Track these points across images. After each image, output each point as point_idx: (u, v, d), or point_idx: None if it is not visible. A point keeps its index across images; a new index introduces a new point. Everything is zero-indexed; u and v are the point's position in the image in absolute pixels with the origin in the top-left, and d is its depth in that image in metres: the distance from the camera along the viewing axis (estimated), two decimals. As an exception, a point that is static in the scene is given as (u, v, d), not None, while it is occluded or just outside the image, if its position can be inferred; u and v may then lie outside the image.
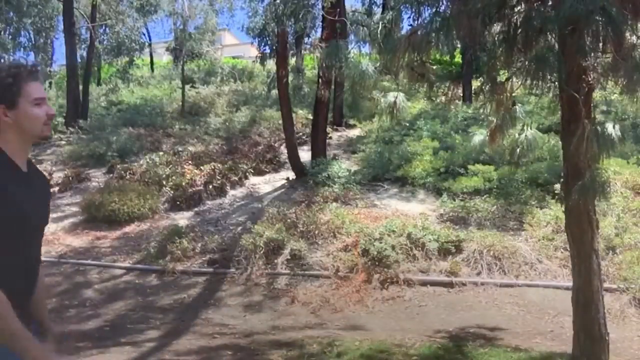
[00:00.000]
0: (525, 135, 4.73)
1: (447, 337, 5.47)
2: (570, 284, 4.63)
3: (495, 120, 4.79)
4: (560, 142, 4.60)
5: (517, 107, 4.68)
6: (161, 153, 12.61)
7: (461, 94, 13.32)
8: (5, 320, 1.55)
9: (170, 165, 11.66)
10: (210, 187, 10.87)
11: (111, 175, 12.05)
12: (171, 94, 19.50)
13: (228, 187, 11.06)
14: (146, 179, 11.11)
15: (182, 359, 4.98)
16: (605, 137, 3.80)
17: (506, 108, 4.60)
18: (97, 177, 12.20)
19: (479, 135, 5.36)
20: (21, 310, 1.66)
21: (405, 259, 7.34)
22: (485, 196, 9.24)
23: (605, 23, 3.36)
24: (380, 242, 7.38)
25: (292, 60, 17.01)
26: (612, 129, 3.73)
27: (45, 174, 11.71)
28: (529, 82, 4.04)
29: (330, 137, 13.77)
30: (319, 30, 12.89)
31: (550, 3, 4.04)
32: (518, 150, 4.79)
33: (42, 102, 1.68)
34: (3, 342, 1.56)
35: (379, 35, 4.39)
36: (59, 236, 9.24)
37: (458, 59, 18.60)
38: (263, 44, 14.51)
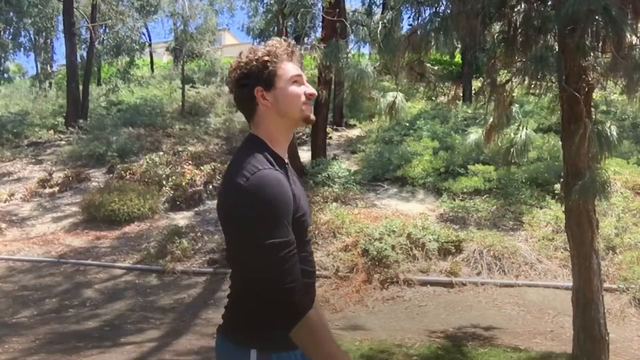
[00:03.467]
0: (521, 136, 4.72)
1: (447, 337, 5.47)
2: (570, 284, 4.63)
3: (490, 120, 4.78)
4: (560, 142, 4.60)
5: (513, 107, 4.67)
6: (161, 153, 12.61)
7: (461, 94, 13.32)
8: (327, 344, 1.41)
9: (170, 165, 11.66)
10: (210, 187, 10.86)
11: (111, 175, 12.05)
12: (171, 94, 19.50)
13: (228, 187, 11.05)
14: (146, 179, 11.12)
15: (182, 359, 4.98)
16: (605, 138, 3.80)
17: (505, 107, 4.59)
18: (97, 177, 12.20)
19: (475, 134, 5.34)
20: None
21: (405, 259, 7.34)
22: (485, 196, 9.24)
23: (605, 22, 3.35)
24: (380, 242, 7.38)
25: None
26: (608, 130, 3.73)
27: (45, 174, 11.72)
28: (528, 82, 4.03)
29: (330, 137, 13.77)
30: (319, 30, 12.89)
31: (550, 3, 4.04)
32: (513, 150, 4.78)
33: (300, 80, 1.54)
34: None
35: (379, 35, 4.38)
36: (59, 236, 9.24)
37: (458, 59, 18.62)
38: (263, 44, 14.52)
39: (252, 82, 1.51)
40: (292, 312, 1.39)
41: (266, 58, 1.50)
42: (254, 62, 1.51)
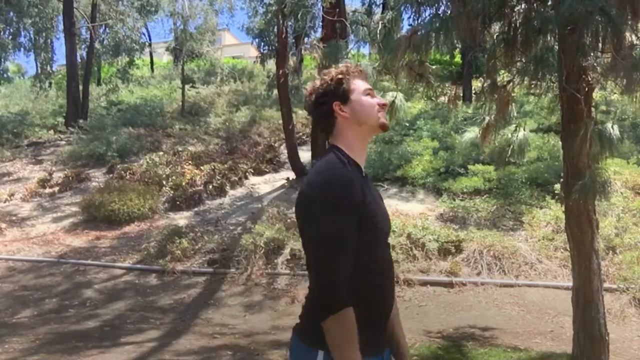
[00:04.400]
0: (517, 136, 4.72)
1: (447, 337, 5.47)
2: (570, 284, 4.63)
3: (487, 119, 4.78)
4: (560, 142, 4.60)
5: (510, 106, 4.67)
6: (161, 153, 12.61)
7: (461, 94, 13.30)
8: (345, 347, 1.42)
9: (170, 165, 11.66)
10: (210, 187, 10.87)
11: (111, 175, 12.06)
12: (171, 94, 19.50)
13: (228, 187, 11.06)
14: (146, 179, 11.12)
15: (182, 359, 4.98)
16: (607, 137, 3.80)
17: (504, 107, 4.59)
18: (97, 177, 12.20)
19: (471, 133, 5.33)
20: (375, 330, 1.57)
21: (405, 259, 7.34)
22: (485, 196, 9.24)
23: (604, 23, 3.35)
24: (380, 242, 7.37)
25: (292, 60, 16.99)
26: (611, 129, 3.73)
27: (45, 174, 11.71)
28: (528, 82, 4.04)
29: (331, 137, 13.75)
30: (319, 30, 12.90)
31: (550, 3, 4.04)
32: (509, 150, 4.78)
33: (372, 93, 1.69)
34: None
35: (378, 35, 4.39)
36: (59, 236, 9.24)
37: (458, 59, 18.62)
38: (263, 44, 14.51)
39: (329, 98, 1.66)
40: (325, 304, 1.43)
41: (340, 76, 1.66)
42: (329, 82, 1.67)
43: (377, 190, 1.74)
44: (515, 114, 4.85)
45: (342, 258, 1.45)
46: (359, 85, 1.67)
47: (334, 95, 1.65)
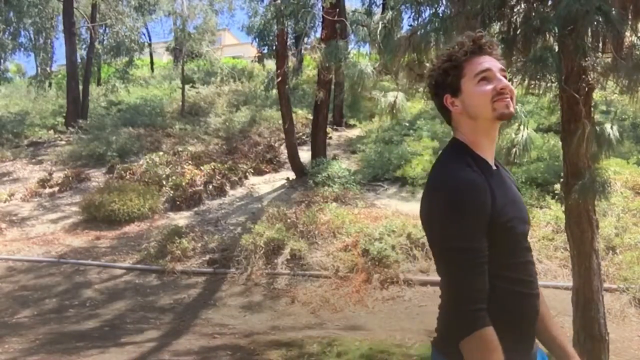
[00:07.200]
0: (522, 135, 4.71)
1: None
2: (570, 284, 4.62)
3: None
4: (560, 142, 4.59)
5: (517, 106, 4.67)
6: (161, 153, 12.62)
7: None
8: None
9: (170, 165, 11.67)
10: (210, 187, 10.88)
11: (111, 175, 12.06)
12: (171, 94, 19.49)
13: (228, 187, 11.07)
14: (146, 179, 11.12)
15: (182, 359, 4.98)
16: (605, 138, 3.80)
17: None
18: (97, 177, 12.21)
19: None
20: (521, 337, 1.40)
21: (405, 259, 7.34)
22: (485, 196, 9.24)
23: (604, 22, 3.35)
24: (380, 242, 7.38)
25: (292, 60, 16.99)
26: (610, 130, 3.73)
27: (45, 174, 11.70)
28: (528, 82, 4.03)
29: (330, 137, 13.77)
30: (319, 30, 12.90)
31: (549, 3, 4.03)
32: (515, 150, 4.78)
33: (489, 75, 1.39)
34: None
35: (379, 35, 4.38)
36: (59, 236, 9.24)
37: (458, 59, 18.60)
38: (263, 44, 14.49)
39: (440, 91, 1.46)
40: (461, 324, 1.31)
41: (446, 65, 1.44)
42: (437, 69, 1.46)
43: (512, 180, 1.52)
44: (525, 113, 4.84)
45: (475, 271, 1.30)
46: (471, 70, 1.40)
47: (443, 87, 1.44)
